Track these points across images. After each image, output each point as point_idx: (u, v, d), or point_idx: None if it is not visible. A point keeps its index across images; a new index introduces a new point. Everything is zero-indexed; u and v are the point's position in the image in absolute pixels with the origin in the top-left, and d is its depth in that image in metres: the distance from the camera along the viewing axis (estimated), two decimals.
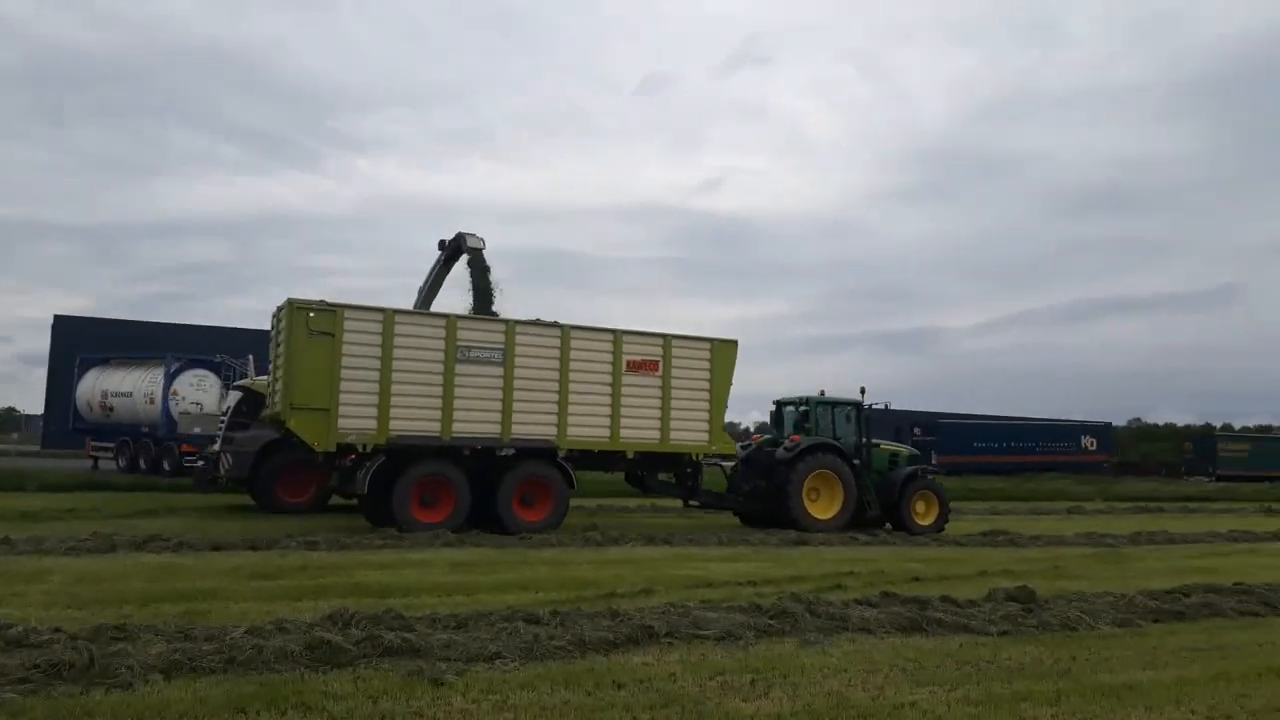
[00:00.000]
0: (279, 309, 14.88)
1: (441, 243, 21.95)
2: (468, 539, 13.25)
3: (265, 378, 17.60)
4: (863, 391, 18.44)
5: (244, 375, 20.92)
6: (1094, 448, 58.31)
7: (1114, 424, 66.96)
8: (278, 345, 14.80)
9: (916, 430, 65.73)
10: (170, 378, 27.17)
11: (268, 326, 16.30)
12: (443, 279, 22.03)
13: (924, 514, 17.64)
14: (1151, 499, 33.15)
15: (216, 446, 18.41)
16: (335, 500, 17.78)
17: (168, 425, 26.63)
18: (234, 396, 19.29)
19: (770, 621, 7.65)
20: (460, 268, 22.11)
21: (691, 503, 17.85)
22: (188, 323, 46.88)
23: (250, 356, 21.49)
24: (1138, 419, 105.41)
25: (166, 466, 26.38)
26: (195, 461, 22.04)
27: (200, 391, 27.73)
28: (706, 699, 5.56)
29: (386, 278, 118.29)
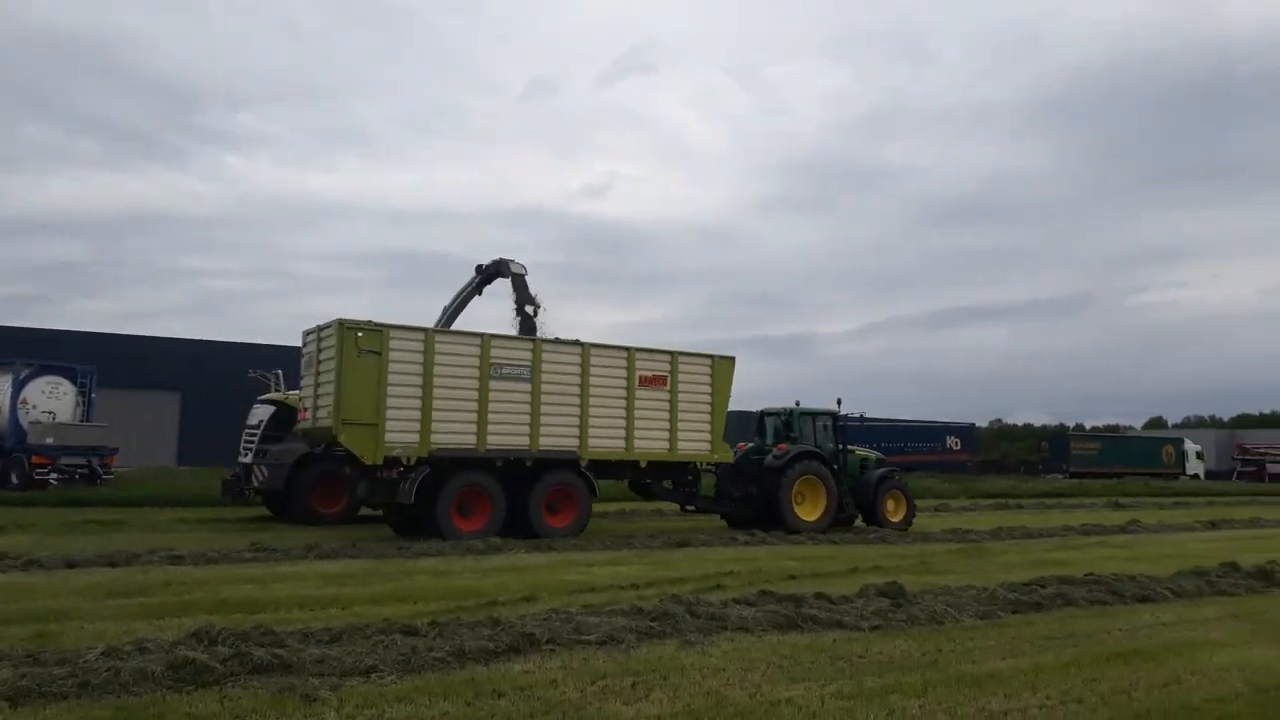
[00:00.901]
0: (318, 327, 15.44)
1: (479, 267, 22.52)
2: (343, 550, 12.88)
3: (296, 392, 17.86)
4: (839, 403, 20.18)
5: (276, 389, 21.08)
6: (958, 447, 60.90)
7: (977, 425, 70.18)
8: (318, 362, 15.26)
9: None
10: (19, 385, 25.53)
11: (134, 331, 15.93)
12: (469, 301, 22.62)
13: (894, 511, 19.39)
14: (1011, 496, 34.90)
15: (248, 459, 18.67)
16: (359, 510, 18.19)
17: (16, 436, 25.00)
18: (265, 410, 19.35)
19: (651, 624, 7.70)
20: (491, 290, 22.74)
21: (688, 507, 18.75)
22: (39, 326, 44.03)
23: (279, 371, 21.58)
24: (999, 420, 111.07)
25: (15, 480, 24.70)
26: (47, 474, 20.83)
27: (53, 400, 26.16)
28: (587, 704, 5.56)
29: (258, 280, 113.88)
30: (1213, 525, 22.33)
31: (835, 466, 18.98)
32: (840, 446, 19.62)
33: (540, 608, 8.50)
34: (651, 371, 17.11)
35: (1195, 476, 66.81)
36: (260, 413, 19.46)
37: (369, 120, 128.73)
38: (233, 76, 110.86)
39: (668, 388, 17.23)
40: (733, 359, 18.16)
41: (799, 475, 18.22)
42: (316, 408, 15.29)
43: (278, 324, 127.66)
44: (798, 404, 19.92)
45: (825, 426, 19.72)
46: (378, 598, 9.23)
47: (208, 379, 44.28)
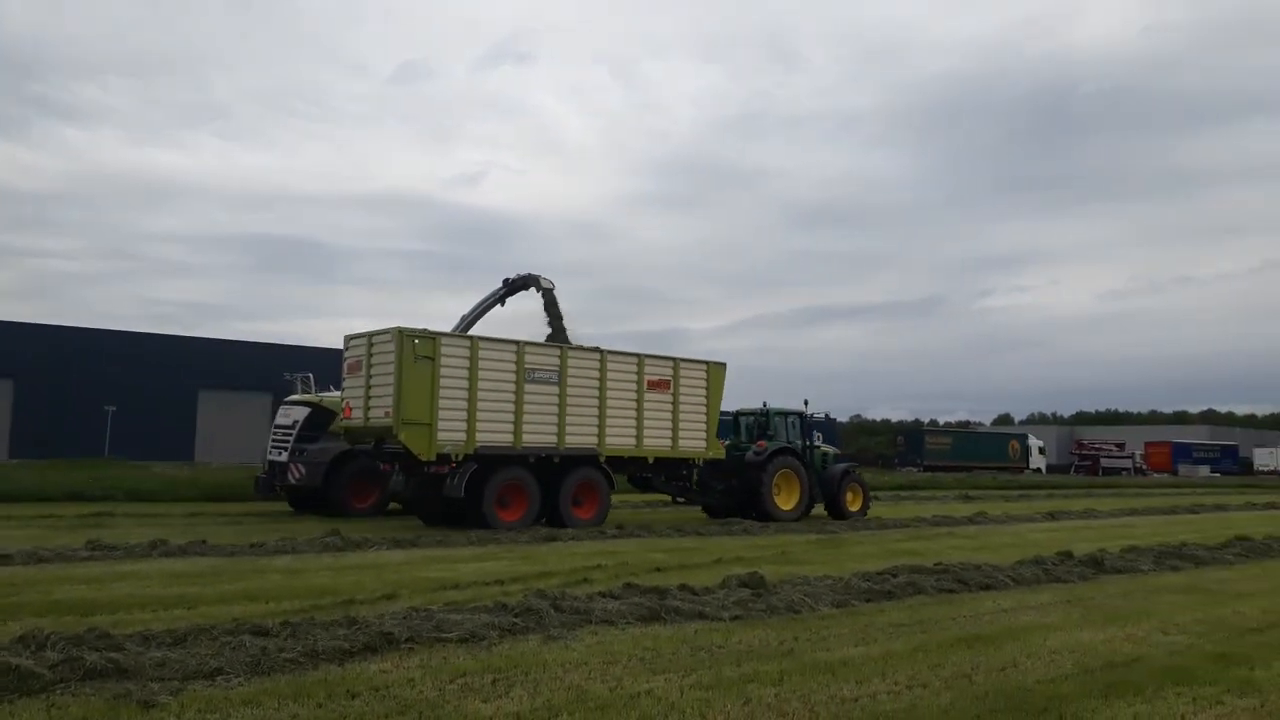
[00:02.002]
0: (368, 333, 16.65)
1: (507, 280, 23.54)
2: (191, 548, 12.26)
3: (336, 394, 19.34)
4: (805, 404, 22.08)
5: (304, 391, 21.90)
6: (819, 442, 62.88)
7: (837, 419, 72.64)
8: (369, 366, 16.34)
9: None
10: None
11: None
12: (490, 309, 23.64)
13: (853, 501, 21.29)
14: (869, 488, 36.20)
15: (282, 457, 19.46)
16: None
17: None
18: (300, 411, 20.11)
19: (515, 620, 7.62)
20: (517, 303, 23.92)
21: (679, 499, 20.56)
22: None
23: (310, 374, 22.46)
24: (858, 415, 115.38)
25: None
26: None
27: None
28: (445, 702, 5.45)
29: (101, 261, 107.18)
30: (1051, 516, 23.80)
31: (805, 461, 20.67)
32: (807, 443, 21.32)
33: (400, 606, 8.29)
34: (658, 376, 18.74)
35: (1038, 470, 71.07)
36: (294, 413, 20.19)
37: (226, 97, 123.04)
38: (74, 43, 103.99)
39: (670, 391, 18.85)
40: (724, 365, 19.89)
41: (777, 469, 19.94)
42: (369, 408, 16.33)
43: (124, 308, 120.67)
44: (765, 404, 21.69)
45: (794, 425, 21.41)
46: (226, 597, 8.83)
47: (45, 366, 41.52)
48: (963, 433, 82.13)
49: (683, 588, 9.31)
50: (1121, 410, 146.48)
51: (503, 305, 23.91)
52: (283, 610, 8.08)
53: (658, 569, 11.47)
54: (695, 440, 19.22)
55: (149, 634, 6.70)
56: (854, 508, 21.12)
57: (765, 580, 9.77)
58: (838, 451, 23.62)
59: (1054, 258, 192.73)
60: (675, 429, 18.85)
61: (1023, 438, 76.36)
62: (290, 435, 19.75)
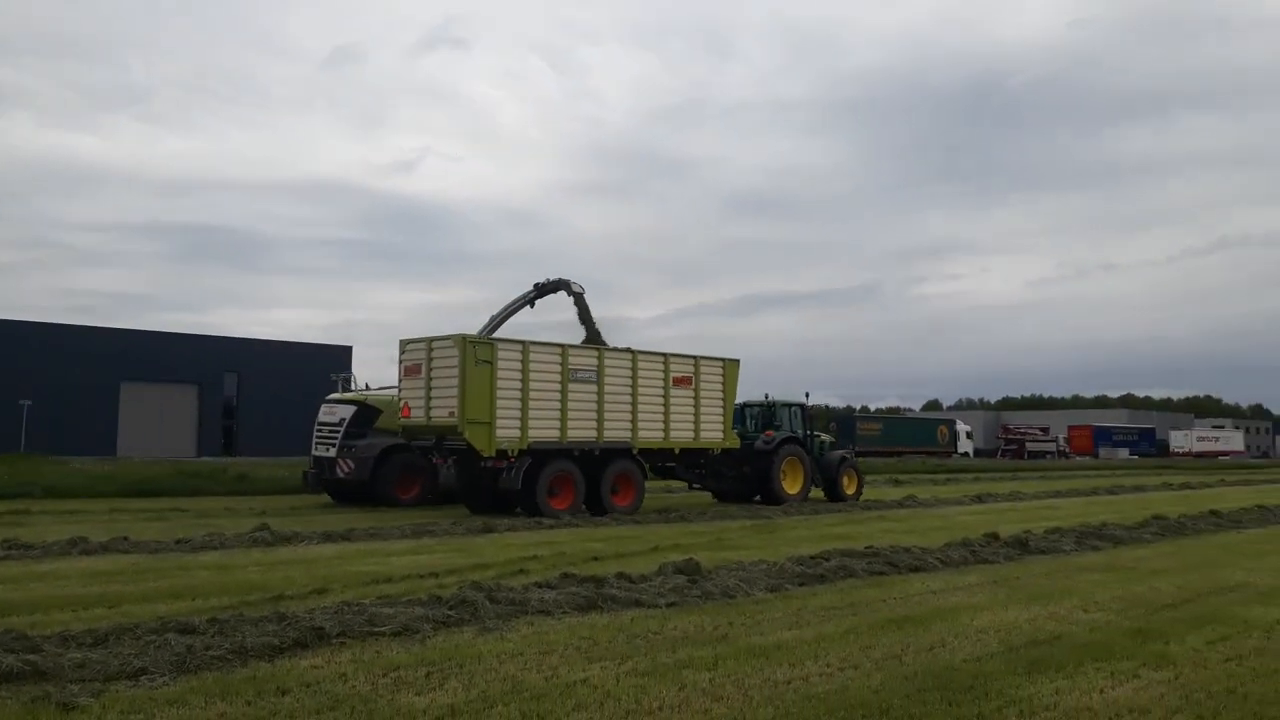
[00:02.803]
0: (428, 339, 17.87)
1: (538, 284, 24.99)
2: (113, 545, 11.90)
3: (384, 392, 21.34)
4: (806, 396, 23.85)
5: (346, 389, 23.02)
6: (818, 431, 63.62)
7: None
8: (430, 369, 17.59)
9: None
10: None
11: None
12: (518, 311, 24.96)
13: (849, 485, 23.04)
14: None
15: (330, 453, 20.47)
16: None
17: None
18: (346, 409, 21.15)
19: (450, 612, 7.56)
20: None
21: (695, 486, 22.39)
22: None
23: (353, 373, 24.08)
24: None
25: None
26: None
27: None
28: (378, 696, 5.39)
29: (15, 249, 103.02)
30: (979, 499, 24.42)
31: (808, 449, 22.44)
32: (808, 432, 23.03)
33: (332, 600, 8.16)
34: (681, 373, 20.08)
35: (966, 455, 72.79)
36: (340, 411, 21.23)
37: (147, 81, 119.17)
38: None
39: (692, 387, 20.21)
40: (738, 361, 21.26)
41: (784, 457, 21.65)
42: (429, 408, 17.55)
43: (41, 299, 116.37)
44: (767, 396, 23.63)
45: (796, 415, 23.16)
46: (151, 595, 8.59)
47: None
48: (893, 418, 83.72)
49: (620, 576, 9.34)
50: (1046, 395, 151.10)
51: (531, 307, 25.22)
52: (210, 607, 7.89)
53: (595, 558, 11.48)
54: (714, 431, 20.64)
55: (68, 634, 6.50)
56: (850, 491, 22.87)
57: (701, 567, 9.84)
58: (834, 439, 25.80)
59: (984, 246, 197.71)
60: (697, 421, 20.26)
61: (951, 423, 78.19)
62: (338, 432, 20.76)
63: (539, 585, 8.81)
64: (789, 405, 23.29)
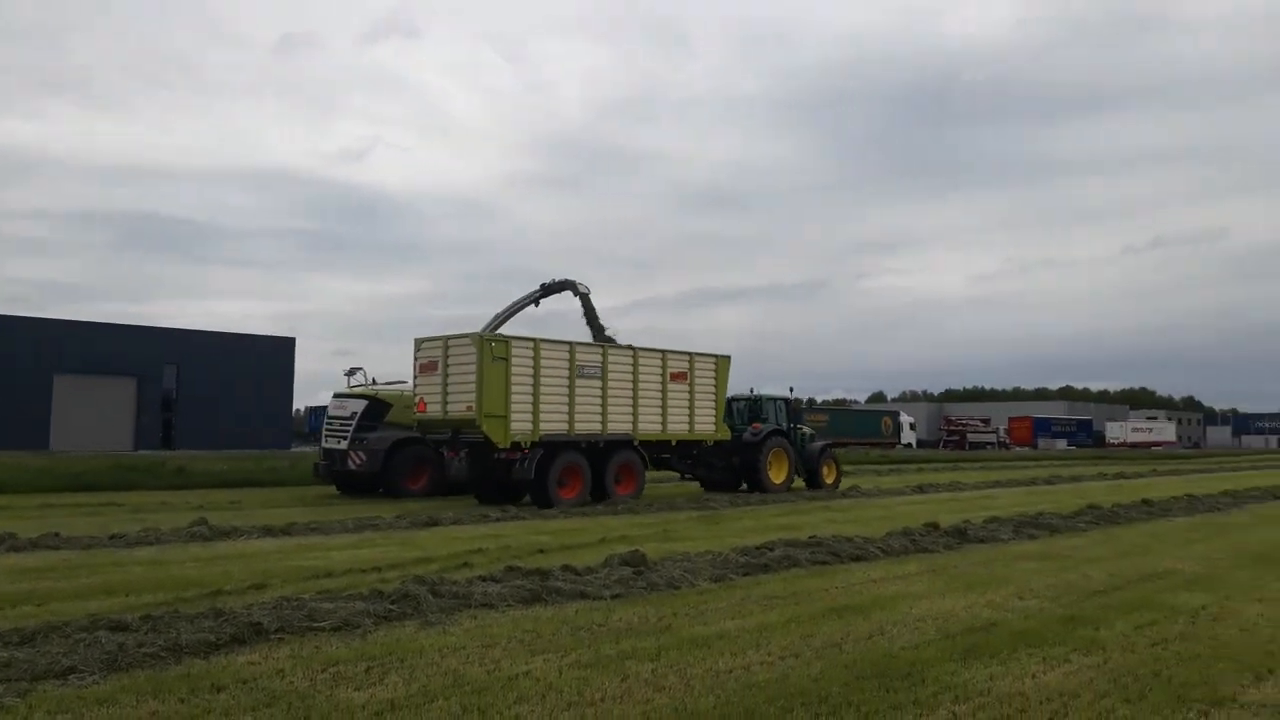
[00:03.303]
0: (444, 337, 18.55)
1: (544, 284, 25.99)
2: (43, 541, 11.57)
3: (395, 387, 22.52)
4: (791, 390, 25.69)
5: (361, 385, 23.29)
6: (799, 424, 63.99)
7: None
8: (447, 366, 18.30)
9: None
10: None
11: None
12: (522, 309, 25.97)
13: (829, 475, 24.35)
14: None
15: (342, 445, 21.23)
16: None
17: None
18: (358, 404, 21.83)
19: (391, 606, 7.49)
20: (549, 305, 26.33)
21: (687, 476, 23.14)
22: None
23: (363, 368, 23.90)
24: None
25: None
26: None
27: None
28: (317, 692, 5.32)
29: None
30: (920, 490, 24.84)
31: (792, 441, 23.58)
32: (791, 425, 24.11)
33: (270, 596, 8.02)
34: (677, 369, 21.04)
35: (909, 446, 74.00)
36: (351, 405, 21.90)
37: (89, 65, 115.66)
38: None
39: (687, 381, 21.18)
40: (729, 357, 22.30)
41: (771, 448, 22.68)
42: (446, 402, 18.26)
43: None
44: (752, 390, 24.79)
45: (781, 408, 24.25)
46: (82, 592, 8.38)
47: None
48: (838, 410, 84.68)
49: (565, 568, 9.32)
50: (988, 388, 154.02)
51: (536, 306, 26.25)
52: (144, 604, 7.72)
53: (541, 550, 11.45)
54: (707, 424, 21.66)
55: None
56: (829, 480, 24.22)
57: (647, 558, 9.87)
58: (814, 432, 26.87)
59: (930, 241, 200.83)
60: (692, 414, 21.29)
61: (895, 414, 79.37)
62: (349, 425, 21.52)
63: (483, 579, 8.76)
64: (774, 399, 24.51)
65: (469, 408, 17.76)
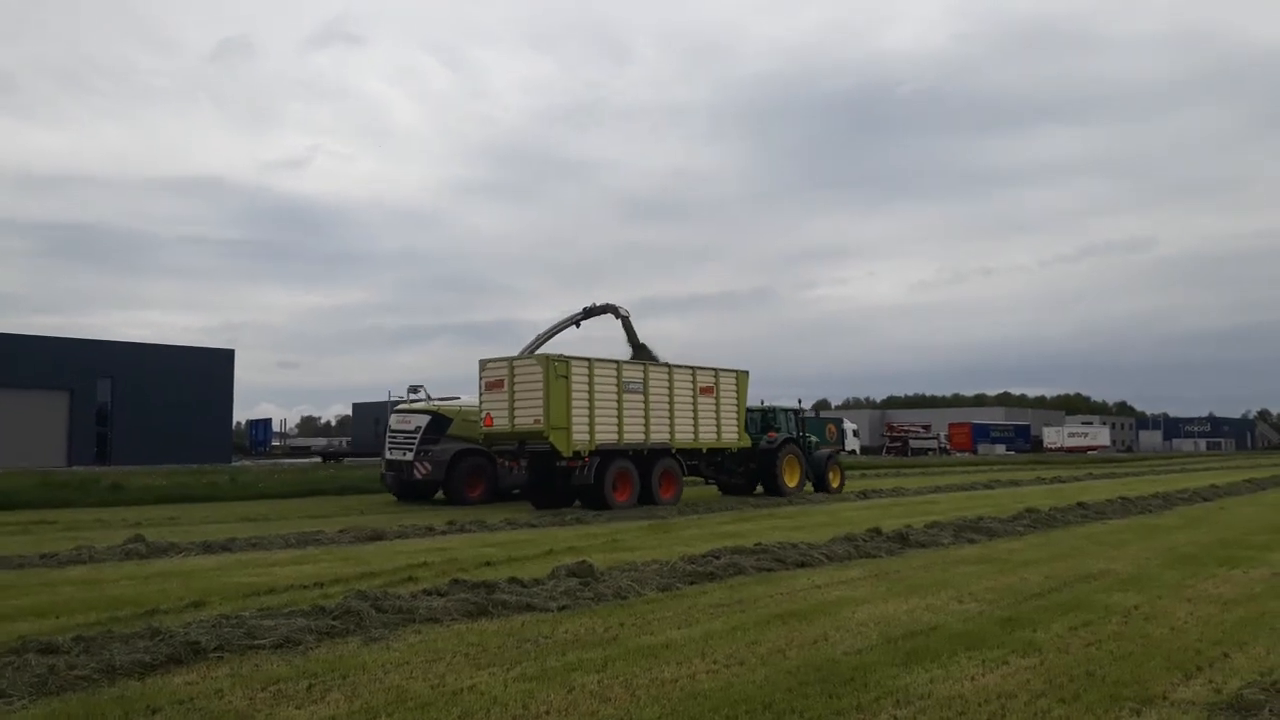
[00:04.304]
0: (509, 358, 21.18)
1: (587, 307, 28.03)
2: None
3: (456, 402, 24.62)
4: (799, 402, 28.19)
5: (424, 400, 25.19)
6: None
7: None
8: (513, 383, 20.38)
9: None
10: None
11: None
12: (563, 330, 28.12)
13: (834, 479, 26.21)
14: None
15: (407, 457, 23.15)
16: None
17: None
18: (422, 419, 23.66)
19: (334, 623, 7.38)
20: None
21: (710, 480, 24.93)
22: None
23: (424, 386, 25.84)
24: None
25: None
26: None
27: None
28: (256, 711, 5.23)
29: None
30: (864, 495, 25.16)
31: (803, 448, 25.74)
32: (802, 434, 26.58)
33: (209, 614, 7.85)
34: (705, 383, 23.24)
35: (853, 452, 74.77)
36: (415, 420, 23.77)
37: (11, 70, 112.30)
38: None
39: (714, 395, 23.36)
40: (748, 372, 24.60)
41: (785, 455, 24.89)
42: (514, 417, 20.32)
43: None
44: (762, 402, 26.96)
45: (791, 419, 26.71)
46: (10, 614, 8.11)
47: None
48: None
49: (512, 581, 9.27)
50: (929, 394, 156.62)
51: (577, 327, 28.34)
52: (76, 625, 7.51)
53: (488, 563, 11.37)
54: (731, 433, 23.80)
55: None
56: (835, 484, 26.11)
57: (594, 569, 9.85)
58: (820, 440, 29.89)
59: (871, 251, 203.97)
60: (718, 424, 23.41)
61: (839, 421, 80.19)
62: (414, 439, 23.37)
63: (428, 593, 8.68)
64: (785, 410, 27.03)
65: (536, 421, 19.82)
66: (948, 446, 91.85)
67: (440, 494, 23.60)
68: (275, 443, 78.79)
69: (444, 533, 15.40)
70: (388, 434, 24.49)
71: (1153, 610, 8.39)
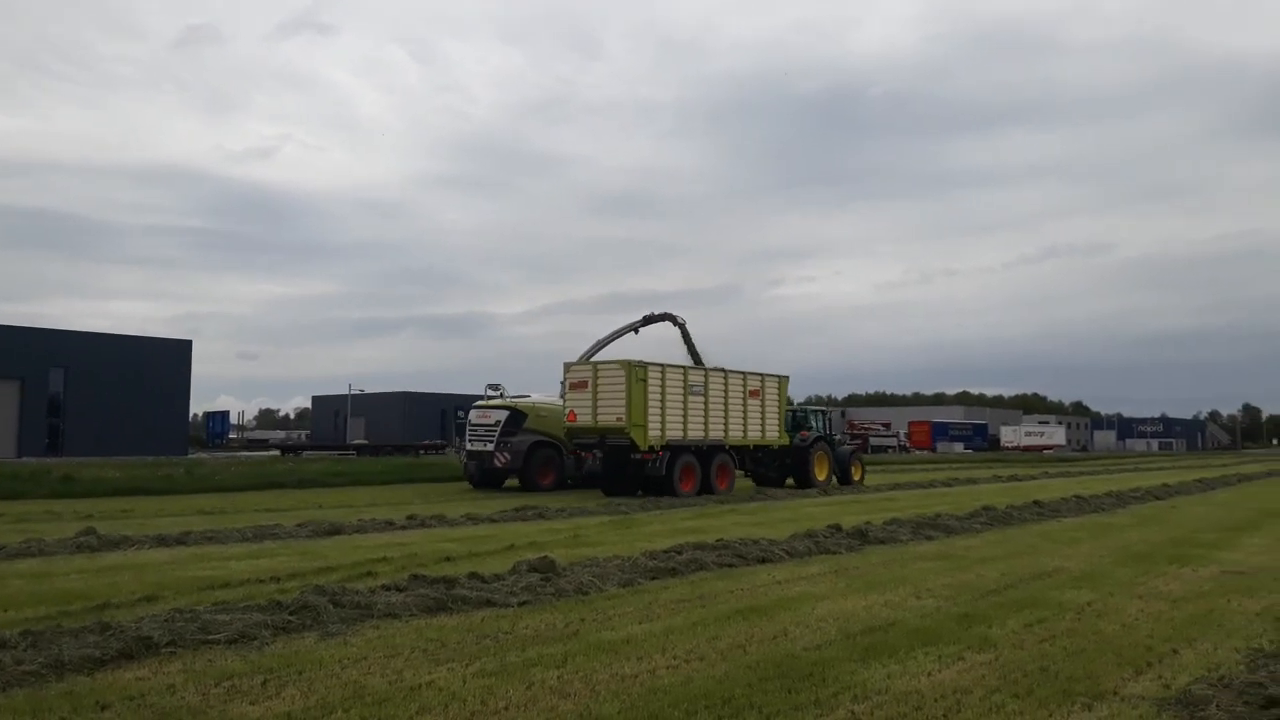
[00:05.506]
0: (593, 363, 24.48)
1: (647, 316, 31.37)
2: None
3: (533, 398, 27.35)
4: (828, 401, 31.35)
5: (501, 396, 27.70)
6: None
7: None
8: (597, 385, 23.22)
9: (461, 413, 66.89)
10: None
11: None
12: (622, 337, 30.95)
13: (856, 473, 29.30)
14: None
15: (488, 448, 25.90)
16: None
17: None
18: (501, 414, 26.23)
19: (290, 618, 7.29)
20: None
21: (748, 474, 26.82)
22: None
23: (502, 384, 28.51)
24: None
25: None
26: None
27: None
28: (209, 708, 5.15)
29: None
30: (824, 492, 25.35)
31: (831, 445, 28.70)
32: (829, 432, 29.82)
33: (162, 608, 7.72)
34: (754, 387, 25.99)
35: None
36: (494, 415, 26.37)
37: None
38: None
39: (760, 397, 26.14)
40: (788, 377, 27.50)
41: (817, 451, 27.62)
42: (596, 414, 23.18)
43: None
44: (791, 402, 29.28)
45: (819, 418, 29.75)
46: None
47: None
48: None
49: (472, 576, 9.21)
50: (890, 393, 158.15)
51: (636, 334, 31.30)
52: (24, 619, 7.35)
53: (448, 558, 11.29)
54: (774, 431, 26.62)
55: None
56: (857, 477, 29.11)
57: (556, 564, 9.83)
58: (845, 436, 34.70)
59: (838, 250, 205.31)
60: (764, 424, 26.21)
61: None
62: (494, 431, 26.06)
63: (386, 588, 8.60)
64: (816, 410, 30.48)
65: (618, 418, 22.61)
66: (907, 444, 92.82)
67: (514, 481, 26.41)
68: (233, 435, 77.67)
69: (404, 528, 15.28)
70: (468, 427, 27.31)
71: (1105, 607, 8.54)
